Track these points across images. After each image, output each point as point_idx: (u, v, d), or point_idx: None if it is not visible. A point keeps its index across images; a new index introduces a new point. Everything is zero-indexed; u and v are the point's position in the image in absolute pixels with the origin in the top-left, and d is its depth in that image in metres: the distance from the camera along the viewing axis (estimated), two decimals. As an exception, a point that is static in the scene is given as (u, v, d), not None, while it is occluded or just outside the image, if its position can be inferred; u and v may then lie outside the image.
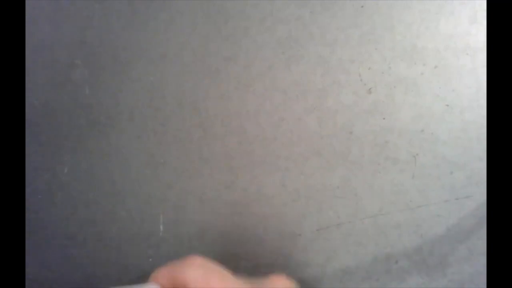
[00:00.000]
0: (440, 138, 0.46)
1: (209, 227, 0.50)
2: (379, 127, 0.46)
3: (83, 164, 0.52)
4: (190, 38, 0.49)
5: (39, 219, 0.53)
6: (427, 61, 0.46)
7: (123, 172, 0.51)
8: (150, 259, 0.51)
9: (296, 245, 0.48)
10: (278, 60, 0.48)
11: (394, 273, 0.47)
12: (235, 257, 0.49)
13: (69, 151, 0.52)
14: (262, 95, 0.48)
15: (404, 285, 0.47)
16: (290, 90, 0.47)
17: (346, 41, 0.47)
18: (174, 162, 0.50)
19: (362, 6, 0.46)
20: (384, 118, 0.46)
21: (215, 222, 0.49)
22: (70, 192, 0.52)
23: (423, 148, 0.46)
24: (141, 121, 0.50)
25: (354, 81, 0.46)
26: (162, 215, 0.50)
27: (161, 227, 0.51)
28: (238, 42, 0.48)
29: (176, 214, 0.50)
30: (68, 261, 0.53)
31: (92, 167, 0.52)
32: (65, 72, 0.52)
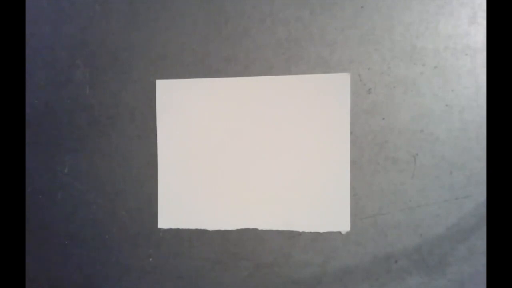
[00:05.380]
0: (439, 138, 0.46)
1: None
2: (378, 127, 0.47)
3: (83, 164, 0.52)
4: (190, 38, 0.49)
5: (39, 219, 0.53)
6: (427, 61, 0.46)
7: (123, 172, 0.51)
8: (150, 259, 0.51)
9: (296, 245, 0.49)
10: (278, 60, 0.48)
11: (394, 272, 0.47)
12: (235, 257, 0.50)
13: (69, 151, 0.52)
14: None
15: (404, 285, 0.47)
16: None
17: (346, 42, 0.47)
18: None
19: (361, 7, 0.46)
20: (383, 118, 0.47)
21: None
22: (70, 192, 0.52)
23: (423, 148, 0.46)
24: (141, 121, 0.50)
25: (354, 81, 0.47)
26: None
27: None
28: (238, 42, 0.48)
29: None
30: (68, 261, 0.53)
31: (92, 167, 0.52)
32: (66, 72, 0.52)
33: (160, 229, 0.51)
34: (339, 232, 0.47)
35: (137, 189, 0.51)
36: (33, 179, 0.53)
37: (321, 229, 0.48)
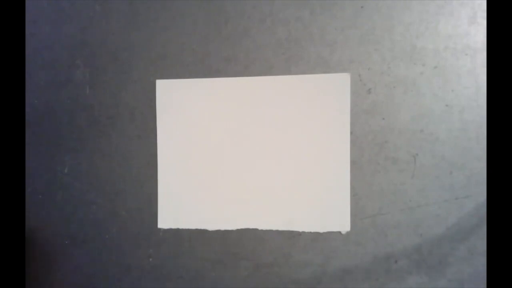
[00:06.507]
0: (439, 138, 0.46)
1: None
2: (378, 127, 0.47)
3: (83, 164, 0.52)
4: (190, 38, 0.49)
5: (39, 219, 0.53)
6: (427, 61, 0.46)
7: (123, 172, 0.51)
8: (150, 259, 0.51)
9: (296, 245, 0.49)
10: (278, 60, 0.48)
11: (394, 273, 0.47)
12: (235, 257, 0.50)
13: (69, 151, 0.52)
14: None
15: (404, 285, 0.47)
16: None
17: (345, 42, 0.47)
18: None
19: (361, 7, 0.46)
20: (383, 118, 0.47)
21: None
22: (70, 192, 0.52)
23: (423, 148, 0.46)
24: (141, 121, 0.50)
25: (354, 81, 0.47)
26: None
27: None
28: (238, 42, 0.48)
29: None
30: (68, 261, 0.53)
31: (92, 167, 0.52)
32: (66, 72, 0.52)
33: (160, 229, 0.51)
34: (339, 232, 0.47)
35: (137, 189, 0.51)
36: (33, 179, 0.53)
37: (321, 229, 0.48)
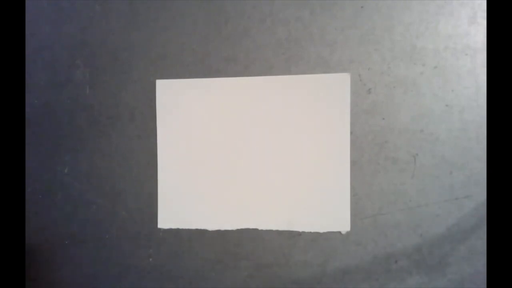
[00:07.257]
0: (439, 138, 0.46)
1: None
2: (378, 127, 0.47)
3: (83, 164, 0.52)
4: (190, 38, 0.49)
5: (39, 219, 0.53)
6: (427, 61, 0.46)
7: (123, 172, 0.51)
8: (150, 259, 0.51)
9: (296, 245, 0.49)
10: (278, 60, 0.48)
11: (394, 272, 0.47)
12: (235, 257, 0.50)
13: (69, 151, 0.52)
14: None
15: (404, 285, 0.47)
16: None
17: (345, 42, 0.47)
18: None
19: (361, 7, 0.46)
20: (383, 118, 0.47)
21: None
22: (70, 192, 0.52)
23: (423, 148, 0.46)
24: (141, 121, 0.51)
25: (354, 81, 0.47)
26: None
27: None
28: (238, 42, 0.48)
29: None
30: (68, 261, 0.53)
31: (92, 167, 0.52)
32: (66, 72, 0.52)
33: (160, 229, 0.51)
34: (339, 232, 0.47)
35: (137, 189, 0.51)
36: (33, 179, 0.53)
37: (321, 229, 0.48)
